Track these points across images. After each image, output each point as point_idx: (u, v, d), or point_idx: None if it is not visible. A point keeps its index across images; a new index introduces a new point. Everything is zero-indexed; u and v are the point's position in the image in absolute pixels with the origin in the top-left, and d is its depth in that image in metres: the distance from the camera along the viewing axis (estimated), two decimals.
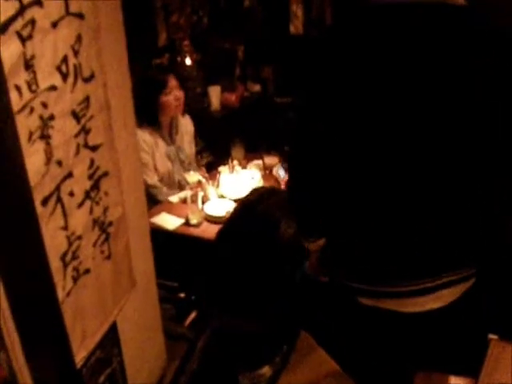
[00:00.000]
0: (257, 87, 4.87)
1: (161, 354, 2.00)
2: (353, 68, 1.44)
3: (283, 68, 4.75)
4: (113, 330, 1.59)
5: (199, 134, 3.90)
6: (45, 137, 1.16)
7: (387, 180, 1.52)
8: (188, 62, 4.53)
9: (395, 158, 1.48)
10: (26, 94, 1.08)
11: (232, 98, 4.62)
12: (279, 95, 4.77)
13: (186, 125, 3.60)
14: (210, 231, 3.00)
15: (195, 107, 4.22)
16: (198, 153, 3.91)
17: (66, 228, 1.27)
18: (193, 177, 3.29)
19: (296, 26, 4.73)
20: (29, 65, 1.08)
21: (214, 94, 4.52)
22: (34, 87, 1.10)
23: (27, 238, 1.13)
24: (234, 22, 4.86)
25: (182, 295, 2.98)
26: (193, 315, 2.84)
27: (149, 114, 3.25)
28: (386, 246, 1.59)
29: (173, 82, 3.31)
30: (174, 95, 3.29)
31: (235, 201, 3.25)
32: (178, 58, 4.54)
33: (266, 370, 1.82)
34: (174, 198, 3.38)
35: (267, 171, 3.61)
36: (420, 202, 1.52)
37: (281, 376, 2.19)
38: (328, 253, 1.76)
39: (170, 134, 3.46)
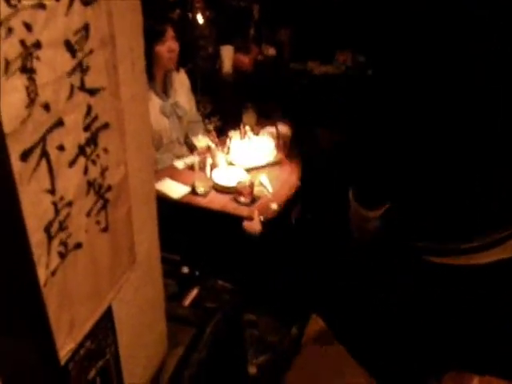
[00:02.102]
0: (272, 50, 4.59)
1: (161, 341, 1.75)
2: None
3: (301, 31, 4.47)
4: (107, 315, 1.33)
5: (209, 96, 3.67)
6: (27, 70, 0.88)
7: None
8: (200, 19, 4.24)
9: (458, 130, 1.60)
10: (3, 9, 0.80)
11: (245, 60, 4.34)
12: (295, 60, 4.50)
13: (181, 79, 3.41)
14: (218, 201, 2.80)
15: (206, 67, 3.95)
16: (206, 116, 3.69)
17: (52, 191, 0.99)
18: (201, 141, 3.03)
19: None
20: None
21: (227, 54, 4.24)
22: (13, 0, 0.81)
23: None
24: None
25: (185, 270, 2.74)
26: (194, 293, 2.60)
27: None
28: (453, 206, 1.70)
29: (170, 33, 3.13)
30: (167, 46, 3.11)
31: (246, 170, 3.01)
32: (190, 15, 4.24)
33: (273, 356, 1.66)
34: (180, 164, 3.15)
35: (281, 141, 3.36)
36: (475, 168, 1.64)
37: (293, 361, 2.00)
38: (393, 217, 1.84)
39: (164, 89, 3.25)
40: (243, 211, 2.70)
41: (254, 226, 2.50)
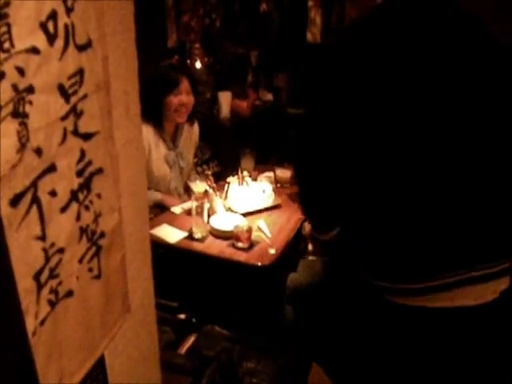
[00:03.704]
0: (269, 96, 4.64)
1: None
2: (379, 67, 1.45)
3: (298, 77, 4.51)
4: (100, 366, 1.28)
5: (206, 141, 3.68)
6: (19, 115, 0.86)
7: (419, 174, 1.49)
8: (198, 65, 4.28)
9: (426, 153, 1.47)
10: None
11: (243, 105, 4.37)
12: (292, 105, 4.54)
13: (192, 133, 3.40)
14: (216, 247, 2.77)
15: (204, 113, 3.97)
16: (205, 162, 3.69)
17: (42, 238, 0.97)
18: (199, 186, 3.01)
19: (313, 34, 4.51)
20: (1, 13, 0.79)
21: (225, 100, 4.27)
22: (6, 45, 0.81)
23: None
24: (249, 27, 4.63)
25: (182, 316, 2.69)
26: (191, 340, 2.55)
27: (154, 113, 3.04)
28: (403, 242, 1.54)
29: (184, 85, 3.10)
30: (179, 99, 3.06)
31: (244, 215, 2.99)
32: (188, 61, 4.29)
33: None
34: (177, 209, 3.13)
35: (278, 185, 3.35)
36: (449, 194, 1.50)
37: None
38: (351, 253, 1.74)
39: (173, 139, 3.24)
40: (241, 256, 2.66)
41: None
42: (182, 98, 3.11)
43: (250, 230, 2.72)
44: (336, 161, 1.56)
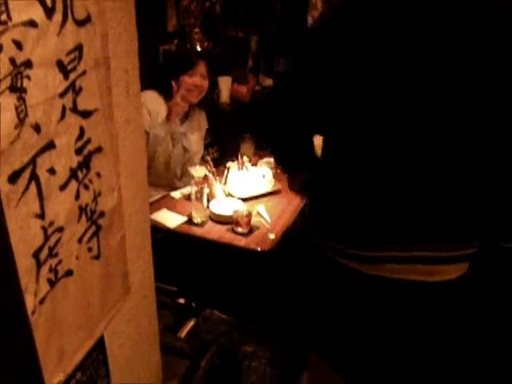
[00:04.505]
0: (269, 81, 4.58)
1: (156, 374, 1.69)
2: (363, 29, 1.39)
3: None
4: (99, 346, 1.28)
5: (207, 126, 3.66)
6: (17, 89, 0.85)
7: (393, 136, 1.44)
8: (198, 50, 4.23)
9: (402, 114, 1.41)
10: None
11: (243, 90, 4.33)
12: None
13: (200, 120, 3.38)
14: (215, 232, 2.75)
15: (203, 98, 3.94)
16: (205, 147, 3.66)
17: (41, 216, 0.96)
18: (198, 171, 2.99)
19: (314, 18, 4.44)
20: None
21: (224, 85, 4.23)
22: (3, 17, 0.79)
23: None
24: (249, 11, 4.58)
25: (182, 301, 2.69)
26: (191, 324, 2.55)
27: (167, 88, 3.06)
28: (382, 206, 1.49)
29: (201, 68, 3.11)
30: (193, 81, 3.05)
31: (244, 200, 2.98)
32: (188, 46, 4.25)
33: None
34: (177, 194, 3.11)
35: (278, 170, 3.34)
36: (426, 166, 1.44)
37: None
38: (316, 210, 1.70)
39: (181, 119, 3.22)
40: (240, 241, 2.65)
41: None
42: (197, 80, 3.11)
43: (249, 215, 2.71)
44: (314, 104, 1.53)
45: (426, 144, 1.42)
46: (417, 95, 1.39)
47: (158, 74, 3.36)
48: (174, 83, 3.06)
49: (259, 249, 2.57)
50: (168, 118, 3.09)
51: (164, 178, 3.26)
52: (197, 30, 4.27)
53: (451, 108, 1.39)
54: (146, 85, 3.14)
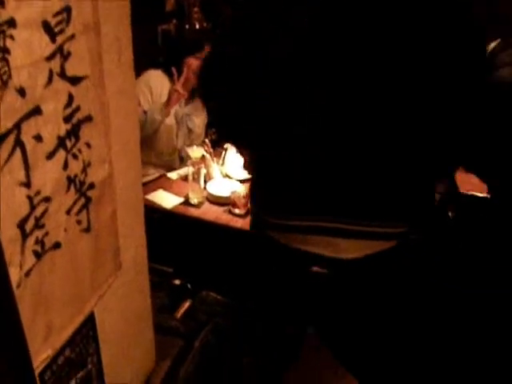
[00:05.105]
0: None
1: (149, 352, 1.66)
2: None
3: None
4: (89, 323, 1.25)
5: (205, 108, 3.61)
6: (0, 49, 0.81)
7: (318, 105, 1.36)
8: (197, 29, 4.18)
9: (328, 84, 1.33)
10: None
11: None
12: None
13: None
14: (212, 213, 2.72)
15: None
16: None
17: (27, 184, 0.92)
18: (196, 152, 2.96)
19: None
20: None
21: None
22: None
23: None
24: None
25: (177, 282, 2.66)
26: (187, 305, 2.53)
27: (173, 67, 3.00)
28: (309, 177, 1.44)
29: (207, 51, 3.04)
30: (199, 63, 2.99)
31: (241, 181, 2.94)
32: (186, 26, 4.19)
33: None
34: (173, 175, 3.08)
35: None
36: (355, 138, 1.37)
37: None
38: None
39: (186, 100, 3.16)
40: (237, 223, 2.62)
41: None
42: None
43: (246, 197, 2.67)
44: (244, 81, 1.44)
45: (345, 121, 1.37)
46: (342, 71, 1.32)
47: (161, 55, 3.32)
48: (174, 69, 2.99)
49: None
50: (167, 104, 3.02)
51: (166, 158, 3.21)
52: (196, 9, 4.21)
53: (375, 85, 1.33)
54: (147, 67, 3.11)
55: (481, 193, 2.49)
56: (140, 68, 2.68)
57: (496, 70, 1.89)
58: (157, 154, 3.15)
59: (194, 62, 3.01)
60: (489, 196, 2.44)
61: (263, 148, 1.54)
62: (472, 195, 2.49)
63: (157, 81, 3.05)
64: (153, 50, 3.81)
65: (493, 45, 2.00)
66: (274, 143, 1.48)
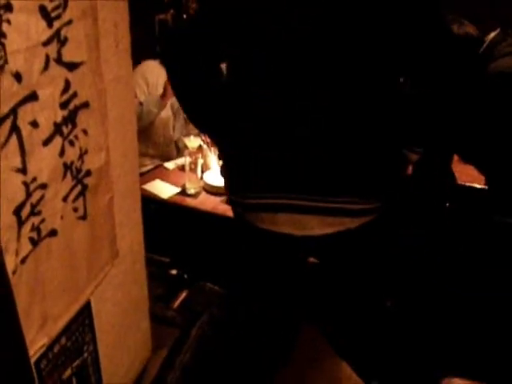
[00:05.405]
0: None
1: (145, 342, 1.66)
2: None
3: None
4: (86, 312, 1.24)
5: None
6: None
7: (279, 72, 1.32)
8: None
9: (287, 50, 1.29)
10: None
11: None
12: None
13: None
14: (209, 203, 2.70)
15: None
16: None
17: (23, 170, 0.91)
18: (193, 142, 2.94)
19: None
20: None
21: None
22: None
23: None
24: None
25: (174, 272, 2.66)
26: (183, 295, 2.52)
27: None
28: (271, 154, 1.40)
29: None
30: None
31: None
32: (184, 16, 4.16)
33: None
34: (170, 165, 3.06)
35: None
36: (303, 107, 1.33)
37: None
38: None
39: None
40: None
41: None
42: None
43: None
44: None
45: (302, 88, 1.33)
46: (294, 34, 1.28)
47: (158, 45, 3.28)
48: None
49: None
50: (163, 96, 3.00)
51: (163, 149, 3.20)
52: None
53: (327, 47, 1.29)
54: (143, 57, 3.08)
55: (479, 184, 2.49)
56: (137, 58, 2.68)
57: (495, 60, 1.88)
58: (153, 145, 3.14)
59: None
60: (486, 187, 2.44)
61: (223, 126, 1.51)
62: (470, 186, 2.49)
63: (153, 72, 3.03)
64: (150, 40, 3.78)
65: (492, 35, 1.98)
66: (234, 120, 1.46)
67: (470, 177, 2.55)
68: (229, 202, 1.67)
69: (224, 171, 1.62)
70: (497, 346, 1.87)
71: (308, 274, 1.76)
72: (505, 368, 1.81)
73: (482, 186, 2.46)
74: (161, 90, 2.98)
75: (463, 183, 2.49)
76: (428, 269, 2.21)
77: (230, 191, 1.57)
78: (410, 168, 1.74)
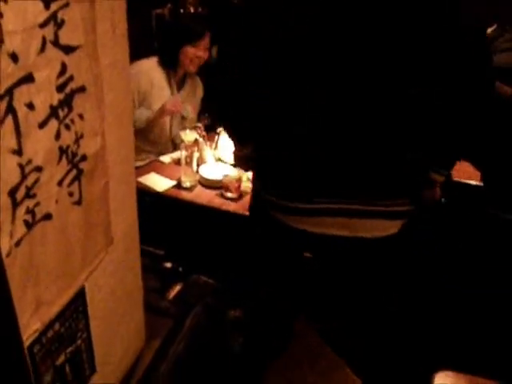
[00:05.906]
0: None
1: (139, 331, 1.66)
2: None
3: None
4: (80, 298, 1.24)
5: None
6: None
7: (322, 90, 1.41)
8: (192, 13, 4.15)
9: (335, 77, 1.39)
10: None
11: None
12: None
13: (196, 87, 3.31)
14: (204, 196, 2.71)
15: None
16: (197, 114, 3.59)
17: (19, 152, 0.91)
18: (189, 135, 2.94)
19: None
20: None
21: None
22: None
23: None
24: None
25: (168, 265, 2.66)
26: (177, 288, 2.52)
27: (169, 57, 2.97)
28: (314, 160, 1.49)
29: (206, 41, 3.02)
30: (195, 52, 2.98)
31: (234, 165, 2.93)
32: (181, 10, 4.15)
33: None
34: (166, 158, 3.06)
35: None
36: (356, 122, 1.43)
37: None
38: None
39: (179, 87, 3.15)
40: (230, 206, 2.61)
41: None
42: (200, 52, 3.03)
43: (239, 180, 2.66)
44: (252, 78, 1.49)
45: (351, 102, 1.41)
46: (341, 58, 1.37)
47: (155, 40, 3.28)
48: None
49: (248, 214, 2.53)
50: (159, 116, 3.02)
51: (160, 147, 3.20)
52: None
53: (374, 68, 1.37)
54: (140, 51, 3.07)
55: (474, 181, 2.50)
56: (133, 53, 2.68)
57: (493, 55, 1.89)
58: (150, 143, 3.14)
59: (190, 50, 2.99)
60: (482, 184, 2.45)
61: (272, 143, 1.57)
62: (465, 183, 2.50)
63: (147, 75, 3.01)
64: (146, 34, 3.78)
65: (489, 31, 1.99)
66: (280, 141, 1.53)
67: (465, 173, 2.56)
68: (258, 200, 1.71)
69: (260, 172, 1.69)
70: (492, 339, 1.87)
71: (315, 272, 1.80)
72: (502, 361, 1.82)
73: (478, 183, 2.47)
74: (157, 87, 3.00)
75: (459, 179, 2.50)
76: (438, 264, 2.23)
77: (265, 191, 1.62)
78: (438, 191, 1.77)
